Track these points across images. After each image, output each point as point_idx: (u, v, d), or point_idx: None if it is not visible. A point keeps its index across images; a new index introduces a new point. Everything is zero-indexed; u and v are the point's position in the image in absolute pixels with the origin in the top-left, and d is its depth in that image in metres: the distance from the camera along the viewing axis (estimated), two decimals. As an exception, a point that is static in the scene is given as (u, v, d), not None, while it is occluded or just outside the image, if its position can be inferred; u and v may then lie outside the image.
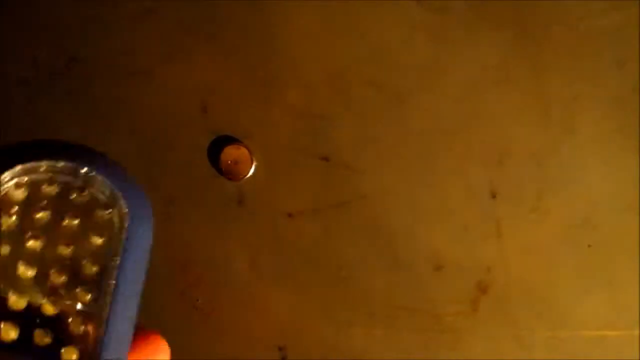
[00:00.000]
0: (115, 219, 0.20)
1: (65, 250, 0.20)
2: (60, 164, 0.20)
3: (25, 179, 0.20)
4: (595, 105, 0.41)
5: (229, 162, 0.42)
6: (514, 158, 0.42)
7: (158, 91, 0.43)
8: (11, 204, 0.20)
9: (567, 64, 0.42)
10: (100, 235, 0.20)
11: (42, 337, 0.20)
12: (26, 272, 0.20)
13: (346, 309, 0.42)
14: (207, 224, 0.43)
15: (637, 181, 0.41)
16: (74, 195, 0.20)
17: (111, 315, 0.20)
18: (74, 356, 0.20)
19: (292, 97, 0.42)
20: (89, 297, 0.20)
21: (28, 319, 0.20)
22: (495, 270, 0.42)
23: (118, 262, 0.20)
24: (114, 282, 0.20)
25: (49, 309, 0.20)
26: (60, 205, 0.20)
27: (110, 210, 0.21)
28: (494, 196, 0.42)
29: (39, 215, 0.20)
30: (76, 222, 0.20)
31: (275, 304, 0.42)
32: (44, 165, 0.20)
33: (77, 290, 0.20)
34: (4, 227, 0.20)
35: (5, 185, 0.20)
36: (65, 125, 0.43)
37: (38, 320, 0.20)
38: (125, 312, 0.20)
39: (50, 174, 0.20)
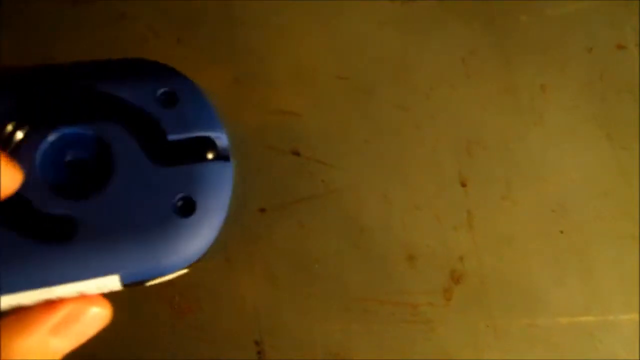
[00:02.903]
0: None
1: None
2: None
3: None
4: (564, 93, 0.42)
5: (201, 159, 0.43)
6: (483, 148, 0.42)
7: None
8: None
9: (535, 53, 0.42)
10: None
11: None
12: None
13: (321, 302, 0.42)
14: (181, 222, 0.43)
15: (607, 167, 0.41)
16: None
17: None
18: None
19: (262, 93, 0.43)
20: None
21: None
22: (468, 260, 0.42)
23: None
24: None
25: None
26: None
27: None
28: (464, 186, 0.42)
29: None
30: None
31: (251, 299, 0.43)
32: None
33: None
34: None
35: None
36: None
37: None
38: None
39: None
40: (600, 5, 0.42)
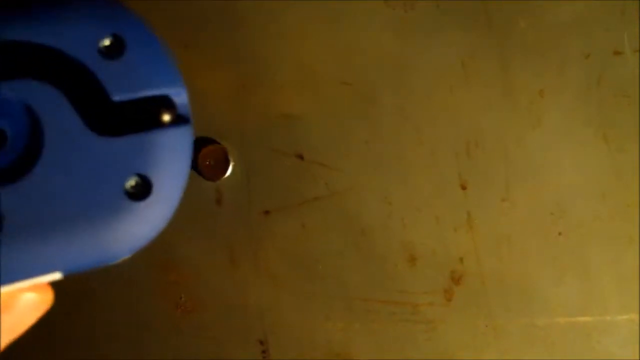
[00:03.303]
0: None
1: None
2: None
3: None
4: (562, 97, 0.42)
5: (207, 163, 0.44)
6: (483, 150, 0.43)
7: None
8: None
9: (532, 57, 0.43)
10: None
11: None
12: None
13: (324, 302, 0.43)
14: (187, 223, 0.44)
15: (604, 169, 0.42)
16: None
17: None
18: None
19: (265, 98, 0.44)
20: None
21: None
22: (468, 261, 0.42)
23: None
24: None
25: None
26: None
27: None
28: (464, 188, 0.43)
29: None
30: None
31: (255, 299, 0.44)
32: None
33: None
34: None
35: None
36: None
37: None
38: None
39: None
40: (598, 12, 0.42)
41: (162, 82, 0.19)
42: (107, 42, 0.18)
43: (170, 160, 0.19)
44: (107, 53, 0.18)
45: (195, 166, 0.44)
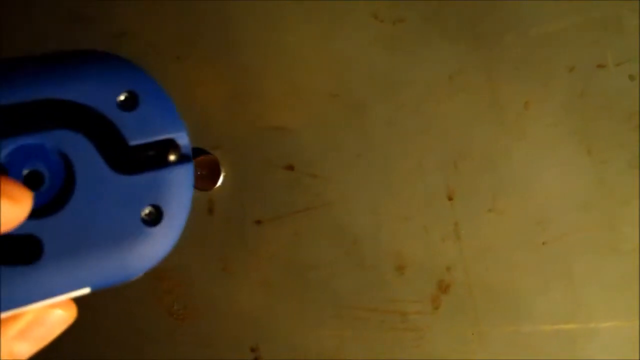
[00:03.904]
0: None
1: None
2: None
3: None
4: (546, 110, 0.43)
5: (199, 173, 0.44)
6: (470, 162, 0.44)
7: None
8: None
9: (518, 71, 0.44)
10: None
11: None
12: None
13: (315, 310, 0.44)
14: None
15: (587, 180, 0.43)
16: None
17: None
18: None
19: (257, 110, 0.44)
20: None
21: None
22: (455, 270, 0.43)
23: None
24: None
25: None
26: None
27: None
28: (451, 199, 0.44)
29: None
30: None
31: (247, 306, 0.44)
32: None
33: None
34: None
35: None
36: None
37: None
38: None
39: None
40: (582, 26, 0.43)
41: (168, 128, 0.23)
42: (123, 97, 0.22)
43: (177, 192, 0.23)
44: (124, 106, 0.22)
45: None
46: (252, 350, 0.44)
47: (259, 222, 0.44)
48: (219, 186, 0.44)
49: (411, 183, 0.44)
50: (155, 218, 0.22)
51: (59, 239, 0.21)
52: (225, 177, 0.44)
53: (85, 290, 0.22)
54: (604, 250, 0.43)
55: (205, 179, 0.44)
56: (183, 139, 0.23)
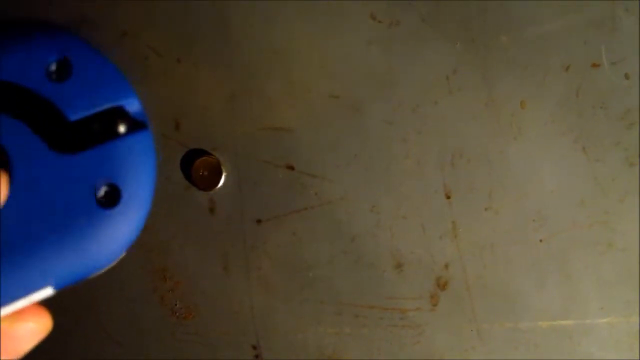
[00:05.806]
0: None
1: None
2: None
3: None
4: (542, 109, 0.44)
5: (201, 173, 0.45)
6: (467, 160, 0.44)
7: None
8: None
9: (514, 70, 0.44)
10: None
11: None
12: None
13: (314, 307, 0.45)
14: (181, 232, 0.45)
15: (583, 178, 0.44)
16: None
17: None
18: None
19: (257, 111, 0.45)
20: None
21: None
22: (453, 267, 0.44)
23: None
24: None
25: None
26: None
27: None
28: (448, 197, 0.44)
29: None
30: None
31: (248, 305, 0.45)
32: None
33: None
34: None
35: None
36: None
37: None
38: None
39: None
40: (577, 26, 0.44)
41: (113, 95, 0.20)
42: (53, 66, 0.20)
43: (134, 165, 0.20)
44: (56, 77, 0.19)
45: (189, 177, 0.45)
46: (253, 347, 0.45)
47: (259, 221, 0.45)
48: (220, 186, 0.45)
49: (409, 181, 0.44)
50: (113, 198, 0.20)
51: (4, 235, 0.18)
52: (226, 177, 0.45)
53: (48, 291, 0.20)
54: (600, 247, 0.44)
55: (207, 179, 0.45)
56: (133, 105, 0.20)
